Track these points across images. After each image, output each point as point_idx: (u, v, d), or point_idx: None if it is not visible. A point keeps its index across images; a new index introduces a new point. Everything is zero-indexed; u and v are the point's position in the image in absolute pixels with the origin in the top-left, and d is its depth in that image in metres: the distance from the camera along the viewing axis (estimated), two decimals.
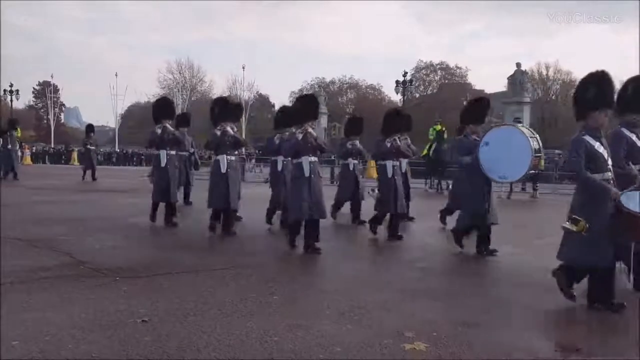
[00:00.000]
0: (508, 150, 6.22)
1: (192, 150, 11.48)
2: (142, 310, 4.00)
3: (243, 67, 51.14)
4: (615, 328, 3.96)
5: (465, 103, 7.46)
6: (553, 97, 52.70)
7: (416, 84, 55.29)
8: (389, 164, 7.54)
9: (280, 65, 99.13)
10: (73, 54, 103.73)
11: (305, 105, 6.64)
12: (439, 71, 62.24)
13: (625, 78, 4.98)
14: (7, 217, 8.48)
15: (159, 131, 8.04)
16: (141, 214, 9.40)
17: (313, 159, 6.39)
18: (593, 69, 4.34)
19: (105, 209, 10.42)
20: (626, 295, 4.86)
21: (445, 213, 8.70)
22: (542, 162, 6.59)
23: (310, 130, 6.39)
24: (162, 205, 8.32)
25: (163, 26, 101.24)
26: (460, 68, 61.45)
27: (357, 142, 9.37)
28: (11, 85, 45.43)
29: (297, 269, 5.76)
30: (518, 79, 34.12)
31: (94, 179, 17.70)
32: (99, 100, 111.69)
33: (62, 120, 69.83)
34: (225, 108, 7.87)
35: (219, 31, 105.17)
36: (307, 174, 6.30)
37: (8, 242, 6.49)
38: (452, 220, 7.63)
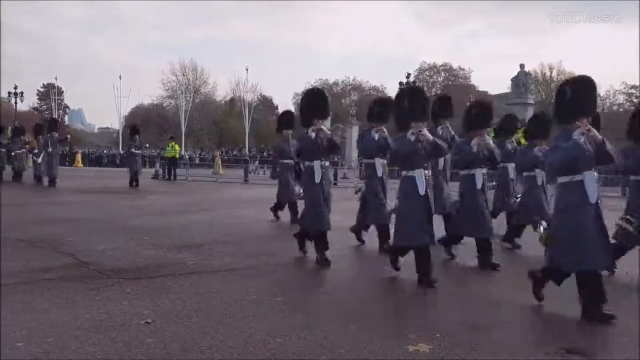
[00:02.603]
0: None
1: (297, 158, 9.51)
2: (146, 311, 4.01)
3: (247, 69, 51.12)
4: (615, 328, 3.94)
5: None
6: None
7: (419, 85, 55.30)
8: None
9: (282, 66, 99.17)
10: (76, 55, 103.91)
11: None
12: (442, 72, 62.24)
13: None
14: (10, 218, 8.51)
15: (313, 135, 5.91)
16: (145, 215, 9.44)
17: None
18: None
19: (109, 210, 10.42)
20: (625, 295, 4.85)
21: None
22: None
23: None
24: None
25: (165, 27, 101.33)
26: (463, 69, 61.51)
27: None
28: (15, 88, 45.69)
29: (301, 270, 5.76)
30: (521, 80, 34.03)
31: (132, 184, 16.19)
32: (103, 102, 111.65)
33: (67, 122, 70.04)
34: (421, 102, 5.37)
35: (220, 32, 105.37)
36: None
37: (11, 243, 6.52)
38: None
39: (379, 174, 6.68)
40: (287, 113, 10.12)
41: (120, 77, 54.63)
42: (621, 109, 50.35)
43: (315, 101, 6.14)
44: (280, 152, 9.43)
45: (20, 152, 17.36)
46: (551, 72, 54.89)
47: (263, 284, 4.92)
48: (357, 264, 5.92)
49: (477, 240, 6.01)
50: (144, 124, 63.34)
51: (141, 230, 7.82)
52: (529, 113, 31.16)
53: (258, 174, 28.07)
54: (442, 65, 61.82)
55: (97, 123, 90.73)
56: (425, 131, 5.12)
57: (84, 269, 5.36)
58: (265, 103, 64.86)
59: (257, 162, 32.99)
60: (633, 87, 51.07)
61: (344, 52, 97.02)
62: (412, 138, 5.06)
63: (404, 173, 5.23)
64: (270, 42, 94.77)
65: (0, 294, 4.30)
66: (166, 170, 21.68)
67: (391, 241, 5.50)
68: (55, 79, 57.82)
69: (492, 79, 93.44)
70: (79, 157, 35.14)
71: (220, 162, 27.00)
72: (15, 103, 46.00)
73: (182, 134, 49.31)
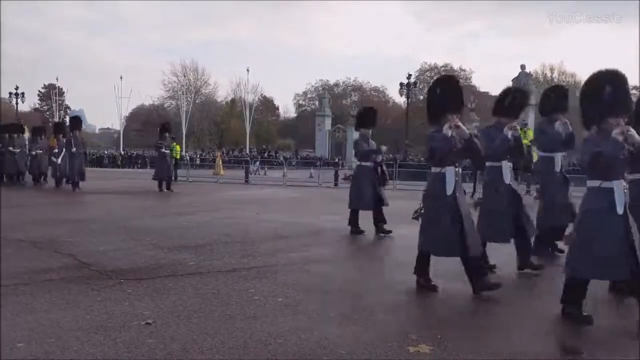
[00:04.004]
0: None
1: (379, 159, 8.40)
2: (146, 312, 4.01)
3: (247, 70, 51.22)
4: (615, 329, 3.94)
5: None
6: None
7: (420, 86, 55.39)
8: None
9: (283, 67, 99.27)
10: (76, 56, 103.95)
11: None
12: (443, 73, 62.25)
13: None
14: (11, 218, 8.52)
15: (448, 133, 4.74)
16: (146, 216, 9.44)
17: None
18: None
19: (109, 210, 10.42)
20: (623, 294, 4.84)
21: None
22: None
23: None
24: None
25: (166, 28, 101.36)
26: (464, 70, 61.57)
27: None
28: (17, 88, 45.78)
29: (301, 271, 5.75)
30: (522, 81, 34.11)
31: (169, 188, 15.07)
32: (104, 103, 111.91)
33: (68, 123, 70.12)
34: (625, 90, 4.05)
35: (221, 33, 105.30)
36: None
37: (12, 244, 6.53)
38: None
39: (507, 180, 5.62)
40: (369, 109, 8.95)
41: (121, 78, 54.95)
42: None
43: (448, 91, 5.00)
44: (359, 152, 8.37)
45: (39, 152, 16.80)
46: (552, 73, 54.98)
47: (264, 285, 4.93)
48: (361, 264, 5.92)
49: None
50: (145, 124, 63.72)
51: (142, 231, 7.82)
52: (530, 114, 31.22)
53: (259, 174, 28.12)
54: (443, 66, 61.91)
55: (98, 124, 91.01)
56: (633, 131, 3.78)
57: (85, 270, 5.36)
58: (266, 104, 64.98)
59: (257, 162, 33.04)
60: (634, 87, 51.12)
61: (344, 52, 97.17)
62: (620, 138, 3.73)
63: (594, 184, 3.96)
64: (271, 42, 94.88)
65: (1, 295, 4.31)
66: None
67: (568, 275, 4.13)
68: (57, 79, 58.02)
69: (493, 80, 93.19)
70: None
71: (221, 163, 27.05)
72: (17, 104, 46.13)
73: (183, 134, 49.45)
